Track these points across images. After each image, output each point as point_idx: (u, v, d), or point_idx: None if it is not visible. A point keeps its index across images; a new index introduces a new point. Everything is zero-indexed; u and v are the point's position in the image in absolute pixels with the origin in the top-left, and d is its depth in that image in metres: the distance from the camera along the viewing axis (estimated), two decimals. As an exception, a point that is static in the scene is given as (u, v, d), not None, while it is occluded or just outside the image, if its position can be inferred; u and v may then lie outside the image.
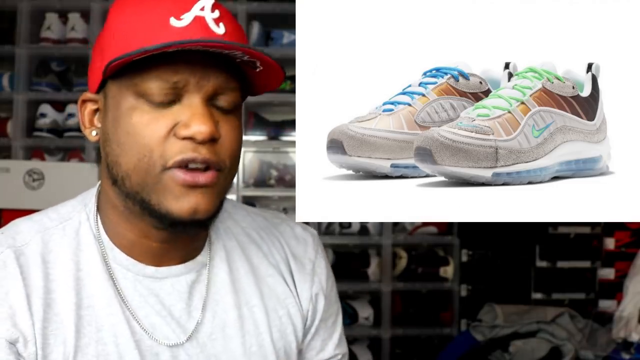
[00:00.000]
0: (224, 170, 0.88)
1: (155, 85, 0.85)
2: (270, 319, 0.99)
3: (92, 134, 0.92)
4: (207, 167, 0.86)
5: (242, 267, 1.00)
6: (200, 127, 0.84)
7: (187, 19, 0.85)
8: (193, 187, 0.85)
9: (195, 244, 0.96)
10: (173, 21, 0.85)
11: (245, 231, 1.03)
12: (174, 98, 0.86)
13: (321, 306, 1.04)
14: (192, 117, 0.85)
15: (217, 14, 0.87)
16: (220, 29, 0.86)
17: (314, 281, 1.04)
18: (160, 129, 0.85)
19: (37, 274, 0.89)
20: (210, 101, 0.87)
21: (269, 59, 0.86)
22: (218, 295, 0.96)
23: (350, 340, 3.24)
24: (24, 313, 0.87)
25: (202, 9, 0.86)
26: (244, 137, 3.78)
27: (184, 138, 0.85)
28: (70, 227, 0.94)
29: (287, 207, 3.34)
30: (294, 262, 1.04)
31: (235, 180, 3.24)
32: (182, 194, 0.86)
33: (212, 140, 0.86)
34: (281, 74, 0.89)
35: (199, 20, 0.85)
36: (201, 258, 0.97)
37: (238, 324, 0.96)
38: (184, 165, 0.85)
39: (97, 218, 0.94)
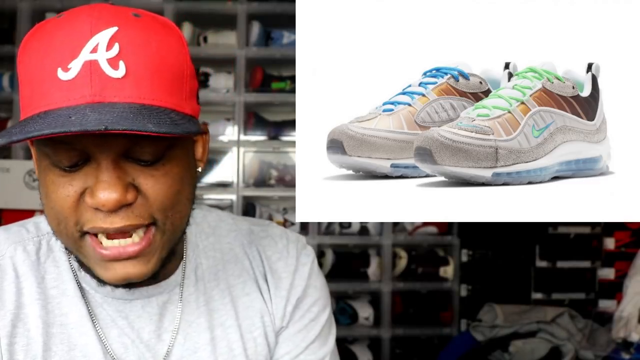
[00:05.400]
0: (158, 224, 0.79)
1: (57, 151, 0.75)
2: (244, 340, 0.95)
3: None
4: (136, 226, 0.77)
5: (217, 287, 0.95)
6: (105, 196, 0.74)
7: (75, 67, 0.72)
8: (118, 259, 0.78)
9: (167, 267, 0.89)
10: (60, 73, 0.73)
11: (228, 247, 0.98)
12: (82, 160, 0.76)
13: (295, 318, 0.99)
14: (97, 184, 0.75)
15: (115, 50, 0.73)
16: (118, 72, 0.73)
17: (289, 298, 0.98)
18: (71, 196, 0.76)
19: (10, 288, 0.87)
20: (125, 155, 0.76)
21: (156, 134, 0.71)
22: (191, 316, 0.92)
23: (350, 340, 3.25)
24: None
25: (95, 49, 0.72)
26: (244, 138, 3.73)
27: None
28: (45, 242, 0.91)
29: (287, 207, 3.34)
30: (271, 277, 0.98)
31: (235, 180, 3.27)
32: (108, 266, 0.79)
33: (127, 205, 0.76)
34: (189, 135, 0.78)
35: (90, 67, 0.72)
36: (175, 277, 0.92)
37: (210, 346, 0.93)
38: (100, 233, 0.77)
39: None
